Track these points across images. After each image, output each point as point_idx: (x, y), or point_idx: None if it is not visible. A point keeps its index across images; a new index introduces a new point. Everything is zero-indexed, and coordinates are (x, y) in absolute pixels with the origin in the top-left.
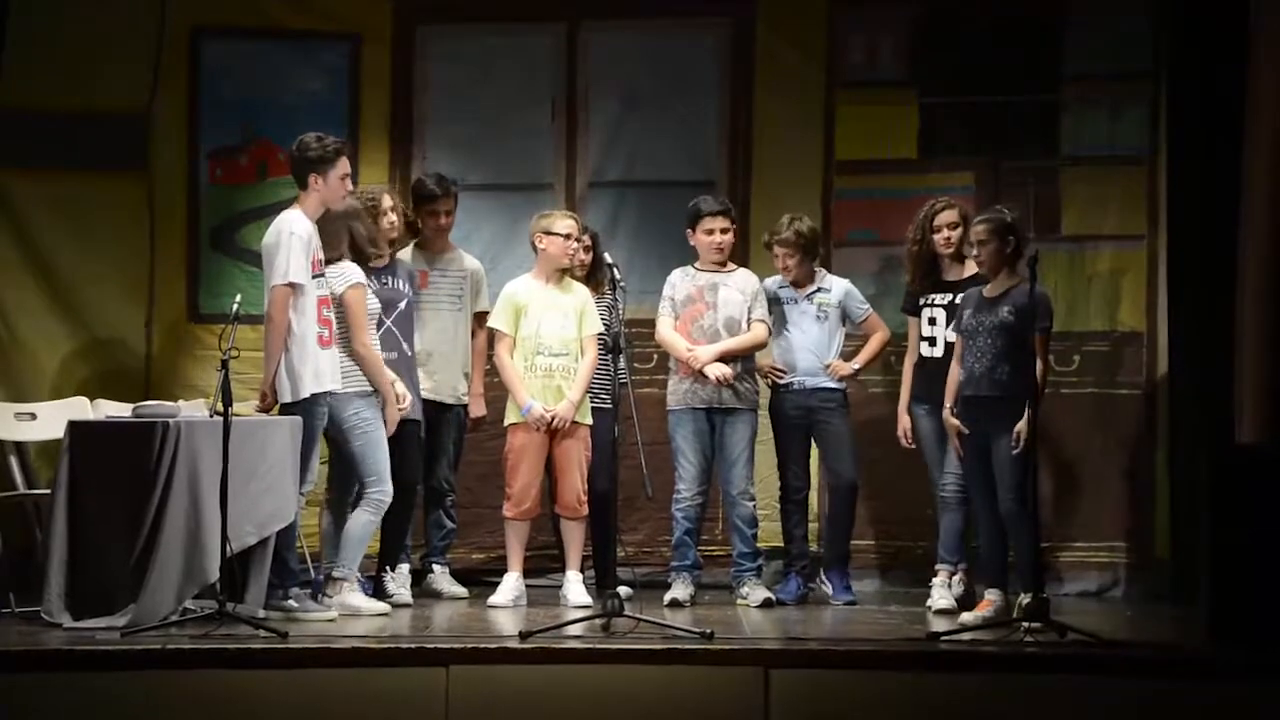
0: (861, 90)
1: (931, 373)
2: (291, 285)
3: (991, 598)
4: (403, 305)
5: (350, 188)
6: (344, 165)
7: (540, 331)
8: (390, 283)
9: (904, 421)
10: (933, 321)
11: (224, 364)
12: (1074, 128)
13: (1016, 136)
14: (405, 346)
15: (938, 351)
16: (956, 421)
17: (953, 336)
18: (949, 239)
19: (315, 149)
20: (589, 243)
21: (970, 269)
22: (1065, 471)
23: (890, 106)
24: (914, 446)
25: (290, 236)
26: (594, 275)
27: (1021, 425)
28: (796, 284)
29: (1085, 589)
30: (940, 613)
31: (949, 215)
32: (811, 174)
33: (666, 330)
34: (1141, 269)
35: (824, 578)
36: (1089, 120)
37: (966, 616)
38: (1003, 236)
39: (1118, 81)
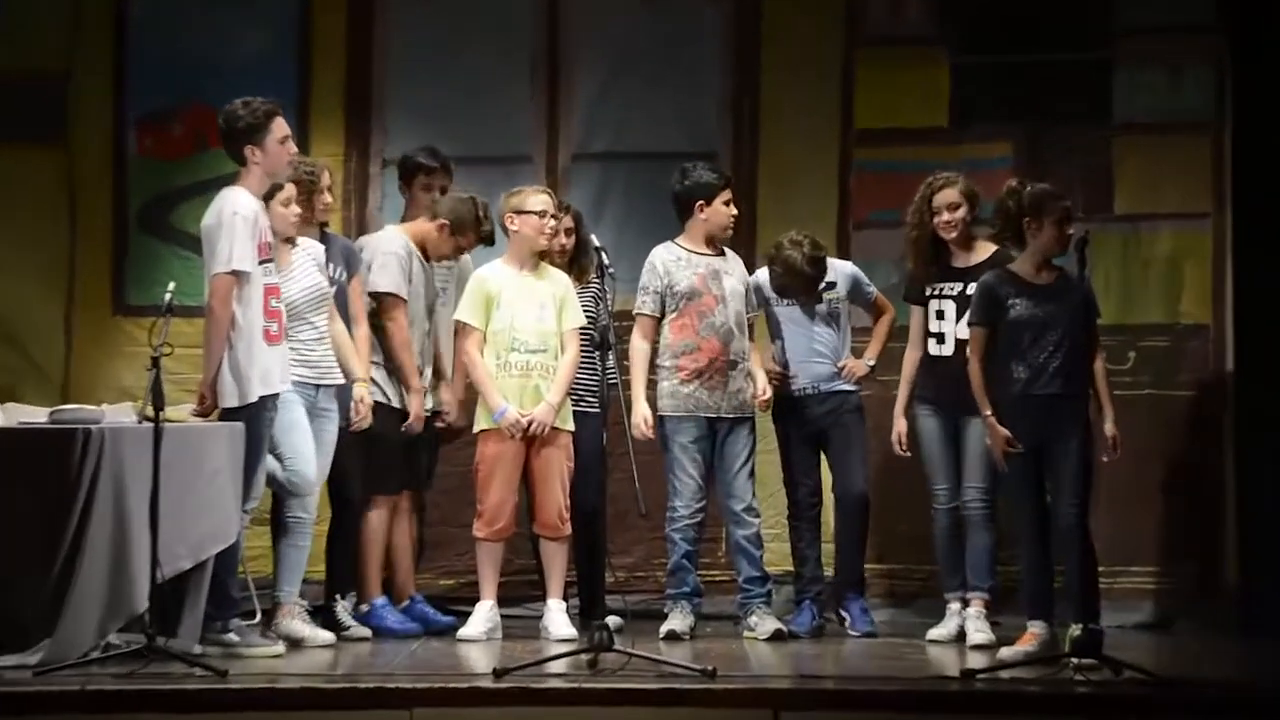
0: (884, 49)
1: (939, 372)
2: (235, 273)
3: (1035, 630)
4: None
5: (294, 151)
6: (280, 127)
7: (515, 325)
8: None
9: (900, 425)
10: (940, 315)
11: (155, 362)
12: (1128, 90)
13: (1062, 101)
14: None
15: (947, 349)
16: (1004, 430)
17: (966, 333)
18: (950, 222)
19: (244, 117)
20: (571, 224)
21: (983, 253)
22: (1118, 485)
23: (917, 68)
24: (909, 454)
25: (233, 217)
26: (577, 261)
27: (1110, 426)
28: None
29: (1143, 620)
30: (976, 648)
31: (949, 194)
32: (827, 145)
33: (638, 350)
34: (1206, 252)
35: (841, 606)
36: (1145, 81)
37: (1005, 652)
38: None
39: (1179, 36)
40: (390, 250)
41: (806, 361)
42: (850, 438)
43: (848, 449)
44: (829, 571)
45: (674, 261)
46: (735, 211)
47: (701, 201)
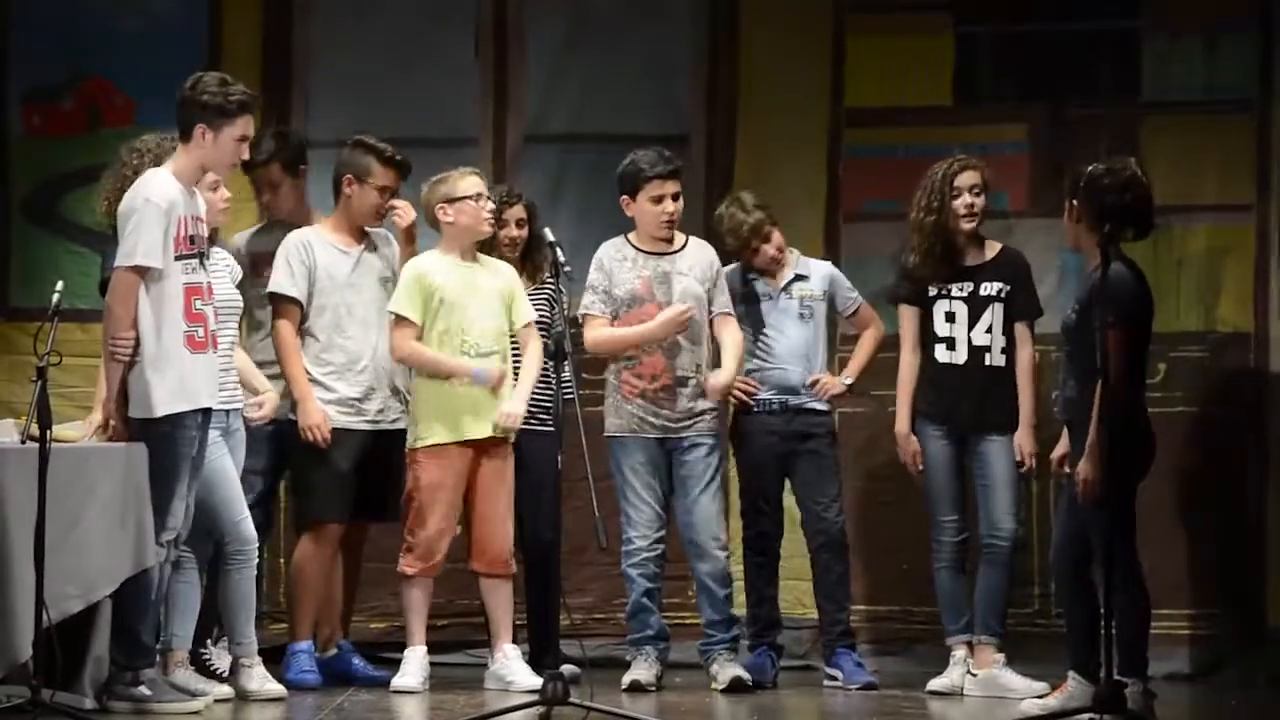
0: (880, 16)
1: (950, 384)
2: (138, 269)
3: (1069, 683)
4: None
5: (245, 155)
6: (244, 125)
7: (464, 325)
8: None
9: (912, 445)
10: (950, 318)
11: (40, 373)
12: (1159, 64)
13: (1084, 76)
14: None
15: (959, 357)
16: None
17: (983, 339)
18: (971, 207)
19: (215, 93)
20: (523, 215)
21: (992, 251)
22: (1148, 517)
23: (918, 37)
24: (922, 471)
25: (144, 204)
26: (530, 257)
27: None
28: (769, 274)
29: (1176, 670)
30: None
31: (971, 176)
32: (814, 126)
33: (604, 334)
34: (1248, 249)
35: (831, 664)
36: (1179, 54)
37: (1027, 704)
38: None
39: (1216, 1)
40: (284, 246)
41: (769, 367)
42: (823, 468)
43: (823, 481)
44: (806, 619)
45: (619, 261)
46: (668, 206)
47: (625, 196)
